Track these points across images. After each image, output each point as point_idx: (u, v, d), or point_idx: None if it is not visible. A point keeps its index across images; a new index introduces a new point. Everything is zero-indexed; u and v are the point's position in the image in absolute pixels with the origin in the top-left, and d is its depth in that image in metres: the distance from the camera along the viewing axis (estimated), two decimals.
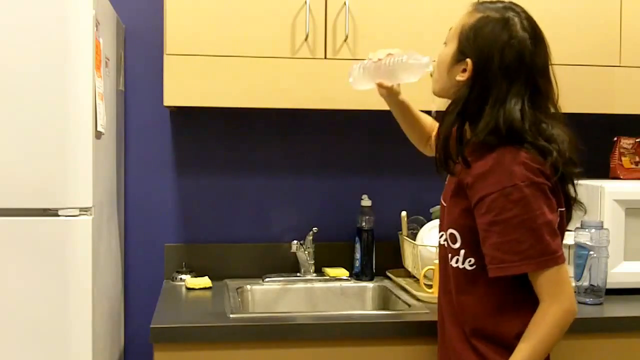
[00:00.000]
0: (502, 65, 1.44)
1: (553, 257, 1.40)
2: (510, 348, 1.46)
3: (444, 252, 1.60)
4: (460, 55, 1.50)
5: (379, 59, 1.73)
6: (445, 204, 1.60)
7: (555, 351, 1.51)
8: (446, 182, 1.67)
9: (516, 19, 1.46)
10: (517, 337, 1.46)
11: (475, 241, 1.47)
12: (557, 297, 1.41)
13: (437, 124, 1.91)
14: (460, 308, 1.54)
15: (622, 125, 2.45)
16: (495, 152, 1.43)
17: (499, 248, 1.41)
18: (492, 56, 1.44)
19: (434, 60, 1.63)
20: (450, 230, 1.53)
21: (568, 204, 1.53)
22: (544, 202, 1.41)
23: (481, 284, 1.49)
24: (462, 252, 1.51)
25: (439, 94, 1.60)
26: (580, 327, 1.46)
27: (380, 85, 1.76)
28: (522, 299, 1.47)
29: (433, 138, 1.88)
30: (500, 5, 1.51)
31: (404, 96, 1.83)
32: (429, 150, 1.95)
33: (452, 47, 1.52)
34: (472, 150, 1.48)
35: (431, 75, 1.63)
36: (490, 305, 1.50)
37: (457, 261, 1.53)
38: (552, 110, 1.50)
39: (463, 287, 1.53)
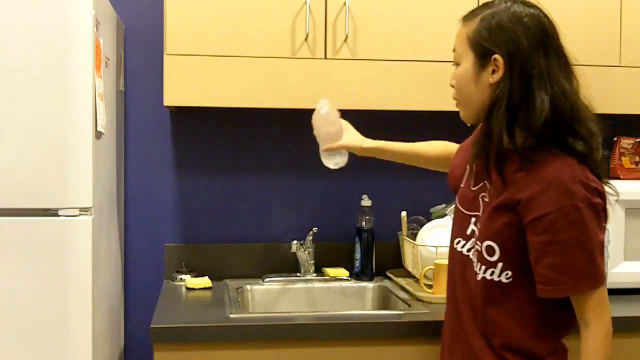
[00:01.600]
0: (531, 40, 1.41)
1: (601, 279, 1.40)
2: None
3: (464, 260, 1.55)
4: (482, 59, 1.45)
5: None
6: (466, 211, 1.56)
7: None
8: (462, 186, 1.62)
9: (516, 5, 1.45)
10: (550, 354, 1.46)
11: (517, 256, 1.44)
12: (602, 317, 1.40)
13: (447, 145, 1.88)
14: (489, 320, 1.49)
15: (622, 125, 2.44)
16: (550, 166, 1.40)
17: (555, 269, 1.39)
18: (518, 37, 1.41)
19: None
20: (488, 243, 1.47)
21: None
22: (597, 222, 1.39)
23: (516, 297, 1.46)
24: (500, 265, 1.46)
25: (476, 113, 1.51)
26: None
27: (330, 149, 1.84)
28: (556, 313, 1.46)
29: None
30: (491, 3, 1.49)
31: (373, 143, 1.86)
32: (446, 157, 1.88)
33: (468, 59, 1.47)
34: (520, 160, 1.42)
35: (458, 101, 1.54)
36: (524, 318, 1.46)
37: (492, 273, 1.47)
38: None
39: (495, 299, 1.48)
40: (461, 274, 1.57)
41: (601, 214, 1.41)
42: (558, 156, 1.41)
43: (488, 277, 1.48)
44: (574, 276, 1.38)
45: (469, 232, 1.55)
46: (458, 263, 1.58)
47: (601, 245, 1.41)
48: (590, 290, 1.39)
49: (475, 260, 1.51)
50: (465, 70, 1.48)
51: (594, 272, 1.39)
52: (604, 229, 1.43)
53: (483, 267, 1.49)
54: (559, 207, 1.36)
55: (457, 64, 1.52)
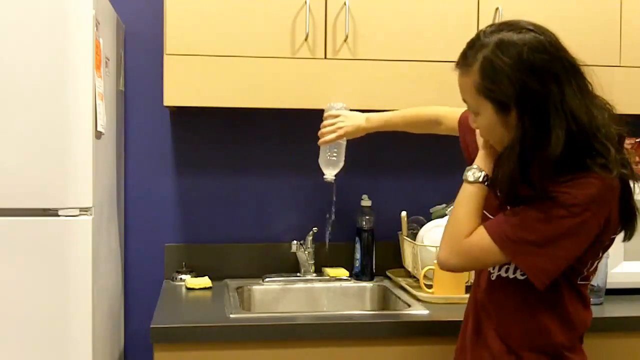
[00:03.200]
0: (540, 75, 1.31)
1: (507, 242, 1.36)
2: (559, 358, 1.45)
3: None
4: (501, 107, 1.35)
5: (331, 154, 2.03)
6: (492, 217, 1.49)
7: None
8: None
9: (506, 34, 1.34)
10: (569, 350, 1.46)
11: None
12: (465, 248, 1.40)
13: (435, 109, 1.92)
14: (506, 321, 1.48)
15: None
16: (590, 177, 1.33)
17: (509, 222, 1.36)
18: (525, 81, 1.31)
19: None
20: None
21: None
22: (592, 238, 1.36)
23: (532, 295, 1.42)
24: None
25: None
26: None
27: (326, 142, 1.99)
28: (573, 309, 1.45)
29: (447, 120, 1.86)
30: (479, 42, 1.37)
31: (373, 123, 1.97)
32: (442, 130, 1.90)
33: (486, 109, 1.37)
34: (559, 182, 1.35)
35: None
36: (541, 316, 1.44)
37: (507, 270, 1.45)
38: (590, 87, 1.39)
39: (511, 297, 1.46)
40: (477, 279, 1.57)
41: (606, 244, 1.39)
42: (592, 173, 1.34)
43: (503, 274, 1.47)
44: (504, 234, 1.36)
45: None
46: (479, 270, 1.57)
47: (564, 253, 1.36)
48: (494, 239, 1.37)
49: None
50: (488, 120, 1.38)
51: (518, 242, 1.35)
52: (584, 250, 1.38)
53: (497, 266, 1.47)
54: (586, 197, 1.31)
55: (475, 113, 1.42)
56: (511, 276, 1.46)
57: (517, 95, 1.32)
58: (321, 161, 2.05)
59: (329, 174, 2.05)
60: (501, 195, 1.42)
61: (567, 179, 1.35)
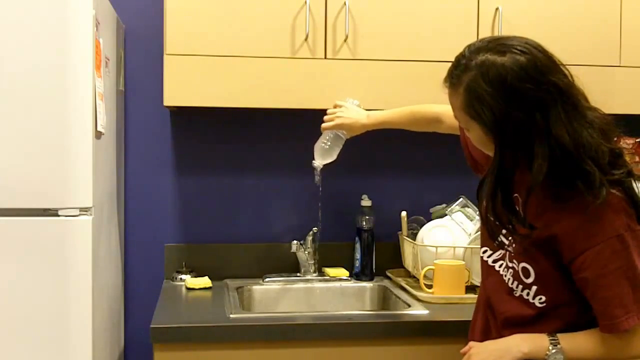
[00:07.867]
0: (521, 103, 1.29)
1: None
2: None
3: (489, 270, 1.51)
4: (488, 129, 1.35)
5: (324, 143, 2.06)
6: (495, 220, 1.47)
7: None
8: None
9: (490, 56, 1.32)
10: None
11: (551, 281, 1.40)
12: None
13: (431, 106, 1.91)
14: (515, 330, 1.45)
15: (622, 125, 2.44)
16: (583, 197, 1.31)
17: (608, 303, 1.34)
18: (504, 107, 1.30)
19: None
20: (524, 265, 1.42)
21: None
22: (637, 250, 1.34)
23: (549, 323, 1.41)
24: (534, 288, 1.42)
25: None
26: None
27: (327, 128, 2.01)
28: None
29: (444, 119, 1.85)
30: (463, 60, 1.36)
31: (373, 120, 1.97)
32: (444, 128, 1.88)
33: (474, 128, 1.38)
34: (544, 194, 1.35)
35: None
36: (552, 328, 1.41)
37: (527, 294, 1.43)
38: (584, 102, 1.37)
39: (527, 320, 1.44)
40: (492, 287, 1.52)
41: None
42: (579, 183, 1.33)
43: (525, 296, 1.44)
44: (624, 308, 1.32)
45: (496, 242, 1.49)
46: (485, 272, 1.55)
47: None
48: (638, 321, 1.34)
49: (510, 277, 1.46)
50: (479, 137, 1.40)
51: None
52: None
53: (520, 287, 1.44)
54: (604, 239, 1.32)
55: (466, 129, 1.43)
56: (531, 300, 1.43)
57: (498, 124, 1.32)
58: (316, 146, 2.07)
59: (318, 161, 2.07)
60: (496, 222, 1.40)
61: (561, 206, 1.35)
